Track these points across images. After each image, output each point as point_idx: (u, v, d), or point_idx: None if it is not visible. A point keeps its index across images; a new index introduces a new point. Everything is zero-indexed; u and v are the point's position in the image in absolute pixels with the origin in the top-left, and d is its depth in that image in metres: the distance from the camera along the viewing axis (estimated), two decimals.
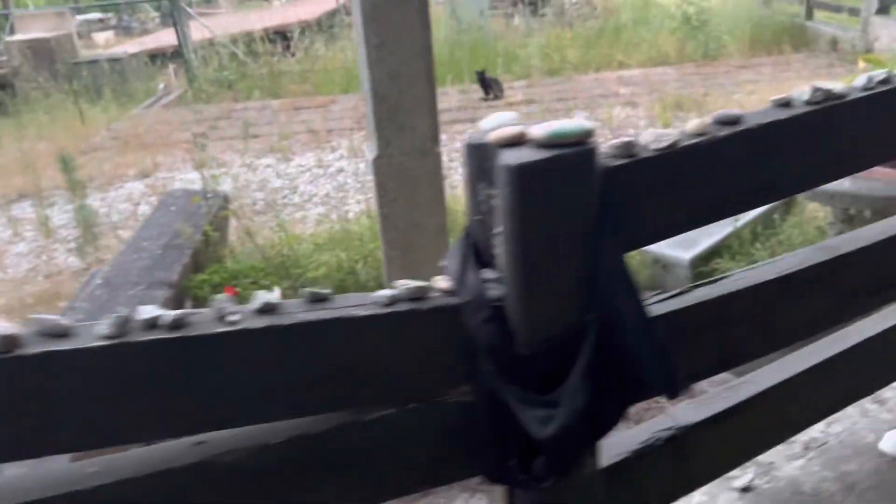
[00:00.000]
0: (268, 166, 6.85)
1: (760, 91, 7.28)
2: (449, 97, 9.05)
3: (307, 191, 6.18)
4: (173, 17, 11.95)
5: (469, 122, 7.74)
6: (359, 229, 4.57)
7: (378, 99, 2.17)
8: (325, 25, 12.48)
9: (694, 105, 7.21)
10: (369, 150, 2.47)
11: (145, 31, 19.04)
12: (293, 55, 11.83)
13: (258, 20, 13.50)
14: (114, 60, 10.14)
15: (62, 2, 16.43)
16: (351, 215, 5.34)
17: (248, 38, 11.67)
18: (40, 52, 10.49)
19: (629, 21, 11.27)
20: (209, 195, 3.64)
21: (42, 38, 10.49)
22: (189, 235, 3.06)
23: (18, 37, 10.73)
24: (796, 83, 7.23)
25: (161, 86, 10.45)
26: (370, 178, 2.34)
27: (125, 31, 20.74)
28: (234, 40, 11.68)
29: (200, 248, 3.15)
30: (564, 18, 13.10)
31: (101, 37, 19.38)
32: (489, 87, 8.52)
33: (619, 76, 8.92)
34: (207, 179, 3.88)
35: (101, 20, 19.23)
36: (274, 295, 0.82)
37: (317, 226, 5.08)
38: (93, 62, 10.15)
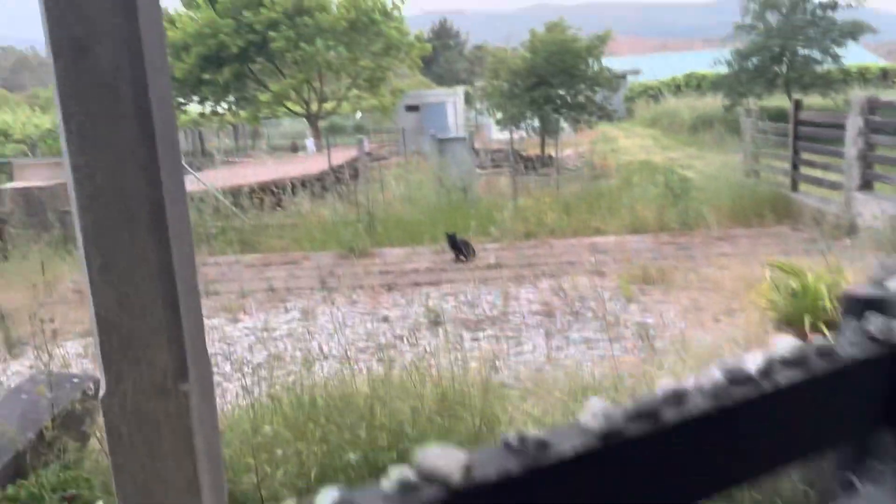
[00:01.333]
0: (212, 328, 6.57)
1: (732, 266, 7.00)
2: (421, 257, 8.94)
3: (244, 358, 5.85)
4: None
5: (433, 286, 7.54)
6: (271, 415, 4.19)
7: (105, 327, 1.72)
8: (316, 182, 12.73)
9: (662, 278, 6.93)
10: (101, 387, 1.99)
11: None
12: (282, 209, 12.00)
13: (254, 174, 13.86)
14: None
15: None
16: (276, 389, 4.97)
17: (239, 191, 11.89)
18: (33, 200, 10.71)
19: (615, 187, 11.33)
20: (75, 379, 3.32)
21: (36, 186, 10.75)
22: (11, 436, 2.72)
23: (14, 184, 11.02)
24: (771, 258, 6.98)
25: None
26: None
27: None
28: (225, 193, 11.90)
29: (29, 452, 2.78)
30: (553, 179, 13.32)
31: None
32: (460, 249, 8.39)
33: (592, 243, 8.75)
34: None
35: None
36: None
37: (231, 406, 4.71)
38: None
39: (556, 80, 16.63)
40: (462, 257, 8.37)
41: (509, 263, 8.09)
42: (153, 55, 1.89)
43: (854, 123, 8.14)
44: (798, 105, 9.75)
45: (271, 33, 21.29)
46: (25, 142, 19.40)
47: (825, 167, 9.21)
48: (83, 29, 1.78)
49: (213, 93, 23.55)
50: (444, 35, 68.22)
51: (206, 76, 21.98)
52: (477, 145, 22.67)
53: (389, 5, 24.27)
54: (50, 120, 20.57)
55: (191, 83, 22.22)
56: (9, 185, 11.14)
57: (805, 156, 9.76)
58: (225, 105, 25.19)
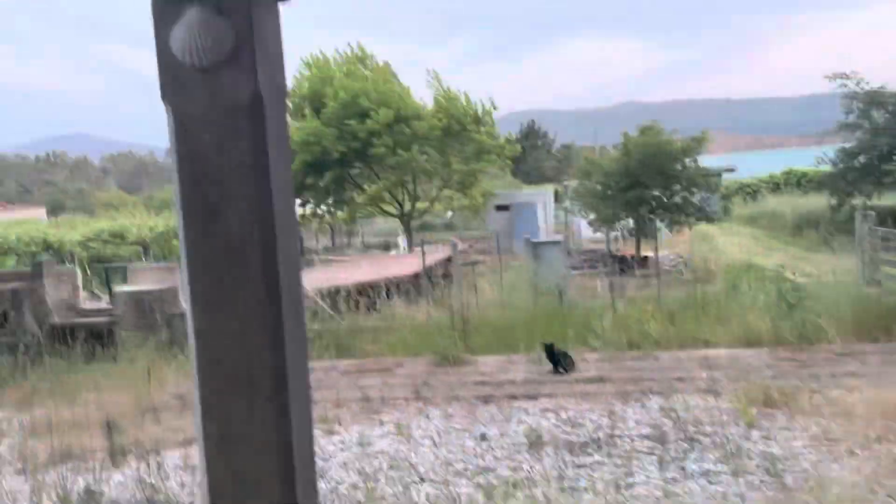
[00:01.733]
0: None
1: (864, 388, 6.38)
2: (517, 367, 8.64)
3: (335, 476, 5.67)
4: None
5: (531, 400, 7.21)
6: None
7: (216, 502, 1.59)
8: (410, 284, 12.80)
9: (785, 401, 6.37)
10: None
11: None
12: (377, 312, 12.06)
13: (351, 275, 14.11)
14: None
15: None
16: None
17: (337, 293, 12.07)
18: (143, 303, 11.20)
19: (720, 292, 10.80)
20: None
21: (146, 290, 11.26)
22: None
23: (127, 288, 11.61)
24: None
25: None
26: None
27: None
28: (323, 295, 12.11)
29: None
30: (652, 282, 12.89)
31: None
32: (558, 361, 8.06)
33: (702, 356, 8.24)
34: None
35: None
36: None
37: None
38: (185, 315, 10.65)
39: (651, 182, 16.41)
40: (561, 369, 8.04)
41: (612, 377, 7.68)
42: (283, 216, 1.83)
43: None
44: None
45: (373, 141, 22.27)
46: (140, 244, 20.68)
47: None
48: (216, 192, 1.75)
49: (314, 196, 24.63)
50: (532, 135, 69.70)
51: (309, 181, 23.08)
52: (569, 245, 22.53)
53: (481, 111, 25.05)
54: (163, 223, 21.92)
55: (294, 187, 23.35)
56: (123, 288, 11.72)
57: None
58: (324, 207, 26.24)
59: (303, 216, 26.76)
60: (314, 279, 13.70)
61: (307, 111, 23.02)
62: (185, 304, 1.69)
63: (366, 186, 25.88)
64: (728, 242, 22.48)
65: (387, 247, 31.72)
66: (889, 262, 10.04)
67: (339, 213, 27.15)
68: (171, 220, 23.67)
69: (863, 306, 8.85)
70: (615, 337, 9.03)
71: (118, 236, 20.51)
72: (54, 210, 46.15)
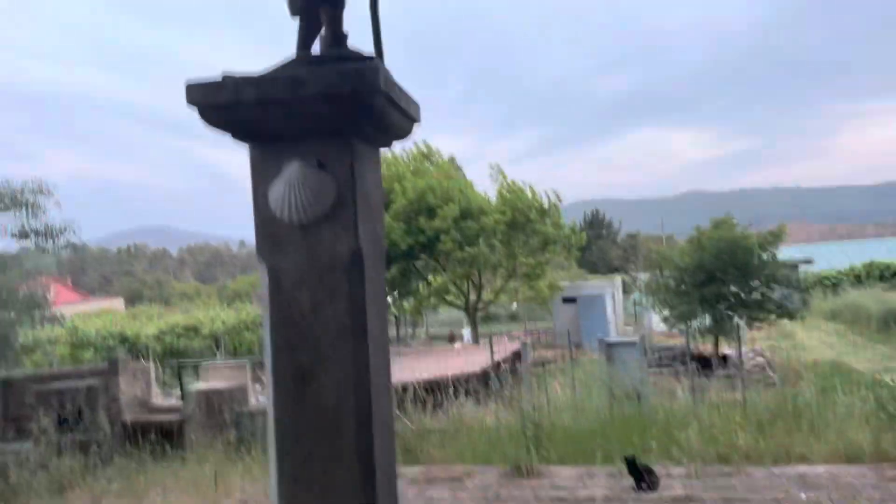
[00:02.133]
0: None
1: None
2: (595, 482, 8.11)
3: None
4: None
5: None
6: None
7: None
8: (477, 381, 12.48)
9: None
10: None
11: None
12: (443, 412, 11.72)
13: (416, 369, 13.88)
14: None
15: None
16: None
17: (404, 391, 11.82)
18: (212, 402, 11.22)
19: (811, 398, 10.05)
20: None
21: (216, 388, 11.30)
22: None
23: (198, 386, 11.68)
24: None
25: None
26: None
27: None
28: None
29: None
30: (735, 384, 12.18)
31: None
32: (641, 476, 7.52)
33: (800, 474, 7.56)
34: None
35: None
36: None
37: None
38: (253, 414, 10.61)
39: (727, 277, 15.85)
40: (644, 486, 7.49)
41: (701, 497, 7.09)
42: (378, 377, 1.67)
43: None
44: None
45: (441, 236, 22.52)
46: (213, 336, 21.09)
47: None
48: (309, 356, 1.63)
49: None
50: (596, 224, 69.44)
51: None
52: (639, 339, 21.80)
53: (546, 203, 25.10)
54: (234, 316, 22.36)
55: None
56: (194, 385, 11.81)
57: None
58: (390, 299, 26.39)
59: None
60: None
61: None
62: (271, 484, 1.53)
63: (431, 278, 25.99)
64: (810, 339, 21.34)
65: (451, 339, 31.48)
66: None
67: (405, 305, 27.23)
68: (242, 312, 24.14)
69: None
70: (701, 449, 8.42)
71: (192, 330, 21.00)
72: (132, 300, 48.03)
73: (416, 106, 2.31)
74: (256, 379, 14.49)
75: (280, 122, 2.00)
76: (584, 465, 8.70)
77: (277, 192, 1.95)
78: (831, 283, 32.66)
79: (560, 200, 25.16)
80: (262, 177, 2.05)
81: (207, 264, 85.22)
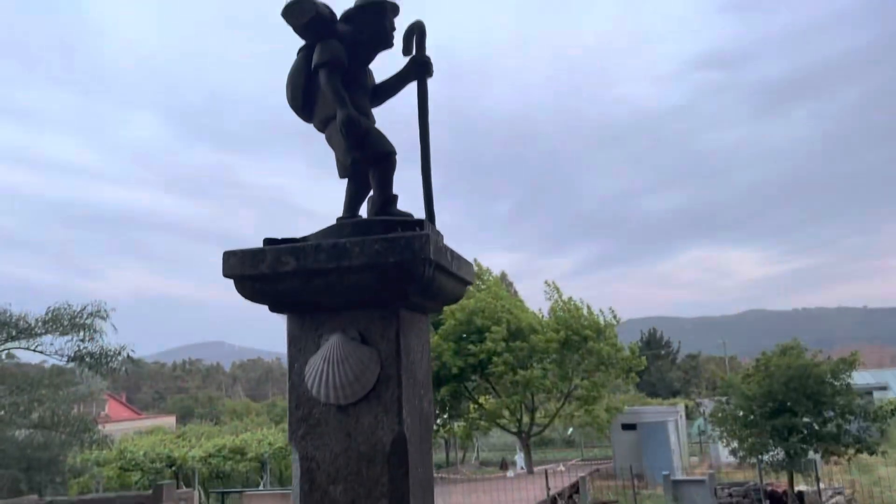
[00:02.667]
0: None
1: None
2: None
3: None
4: None
5: None
6: None
7: None
8: None
9: None
10: None
11: None
12: None
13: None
14: None
15: None
16: None
17: None
18: None
19: None
20: None
21: None
22: None
23: None
24: None
25: None
26: None
27: None
28: None
29: None
30: None
31: None
32: None
33: None
34: None
35: None
36: None
37: None
38: None
39: (798, 407, 14.84)
40: None
41: None
42: None
43: None
44: None
45: (492, 358, 22.04)
46: (259, 459, 20.66)
47: None
48: None
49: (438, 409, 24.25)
50: (654, 343, 67.53)
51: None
52: (708, 469, 20.37)
53: (603, 322, 24.45)
54: (282, 437, 21.95)
55: None
56: None
57: None
58: (439, 421, 25.64)
59: None
60: None
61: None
62: None
63: (483, 400, 25.24)
64: (892, 473, 19.64)
65: (503, 466, 30.08)
66: None
67: (456, 429, 26.35)
68: None
69: None
70: None
71: (238, 452, 20.61)
72: (184, 417, 48.07)
73: (469, 266, 2.17)
74: None
75: (321, 293, 1.84)
76: None
77: (314, 368, 1.77)
78: None
79: (616, 320, 24.54)
80: (299, 350, 1.87)
81: (259, 381, 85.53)
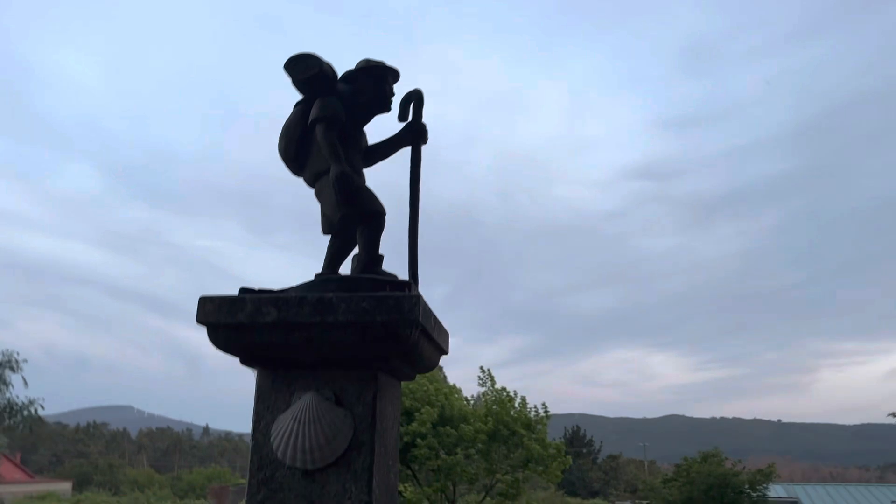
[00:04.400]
0: None
1: None
2: None
3: None
4: None
5: None
6: None
7: None
8: None
9: None
10: None
11: None
12: None
13: None
14: None
15: None
16: None
17: None
18: None
19: None
20: None
21: None
22: None
23: None
24: None
25: None
26: None
27: None
28: None
29: None
30: None
31: None
32: None
33: None
34: None
35: None
36: None
37: None
38: None
39: None
40: None
41: None
42: None
43: None
44: None
45: (417, 441, 21.46)
46: None
47: None
48: None
49: None
50: (577, 442, 67.34)
51: None
52: None
53: (534, 416, 24.20)
54: None
55: None
56: None
57: None
58: None
59: None
60: None
61: None
62: None
63: (402, 488, 24.37)
64: None
65: None
66: None
67: None
68: None
69: None
70: None
71: None
72: (81, 484, 44.78)
73: (446, 335, 2.11)
74: None
75: (300, 348, 1.75)
76: None
77: (283, 427, 1.66)
78: None
79: (547, 416, 24.46)
80: (266, 408, 1.76)
81: (166, 451, 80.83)
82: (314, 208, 2.34)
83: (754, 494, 15.49)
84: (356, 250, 2.25)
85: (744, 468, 16.65)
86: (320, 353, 1.74)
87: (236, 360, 1.84)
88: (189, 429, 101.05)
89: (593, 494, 57.06)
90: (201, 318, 1.75)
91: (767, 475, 15.82)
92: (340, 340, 1.71)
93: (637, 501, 17.77)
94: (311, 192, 2.38)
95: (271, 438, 1.70)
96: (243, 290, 1.85)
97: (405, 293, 1.75)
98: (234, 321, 1.72)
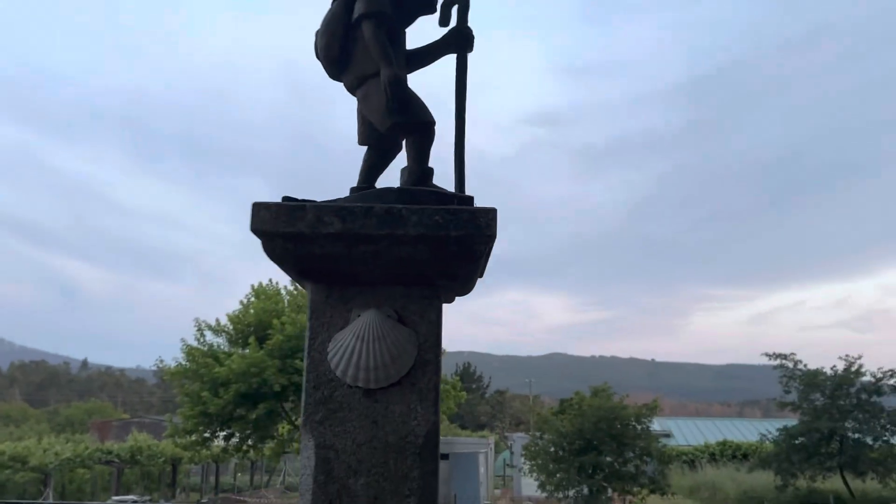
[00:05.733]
0: None
1: None
2: None
3: None
4: None
5: None
6: None
7: None
8: None
9: None
10: None
11: None
12: None
13: None
14: None
15: None
16: None
17: None
18: None
19: None
20: None
21: None
22: None
23: None
24: None
25: None
26: None
27: None
28: None
29: None
30: None
31: None
32: None
33: None
34: None
35: (135, 503, 18.90)
36: None
37: None
38: None
39: (605, 447, 15.92)
40: None
41: None
42: None
43: None
44: None
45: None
46: (42, 471, 18.38)
47: None
48: None
49: (241, 428, 23.04)
50: (467, 378, 69.57)
51: (240, 412, 21.72)
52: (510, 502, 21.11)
53: None
54: (71, 448, 19.77)
55: (222, 419, 21.91)
56: None
57: None
58: (250, 441, 24.46)
59: (224, 450, 24.91)
60: None
61: (252, 340, 22.35)
62: None
63: (298, 422, 24.47)
64: None
65: None
66: None
67: (266, 449, 25.23)
68: (79, 445, 21.40)
69: None
70: None
71: (18, 460, 18.17)
72: None
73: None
74: None
75: (364, 263, 1.61)
76: None
77: (343, 344, 1.54)
78: (688, 460, 33.74)
79: (444, 352, 25.05)
80: (322, 325, 1.62)
81: (40, 385, 76.92)
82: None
83: (639, 427, 16.58)
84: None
85: (632, 403, 17.73)
86: (384, 269, 1.62)
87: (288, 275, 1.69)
88: (66, 362, 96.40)
89: (481, 427, 59.52)
90: (256, 226, 1.57)
91: (652, 409, 16.96)
92: (409, 256, 1.59)
93: (532, 433, 18.60)
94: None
95: (329, 356, 1.59)
96: (286, 199, 1.69)
97: (480, 207, 1.65)
98: (293, 230, 1.56)
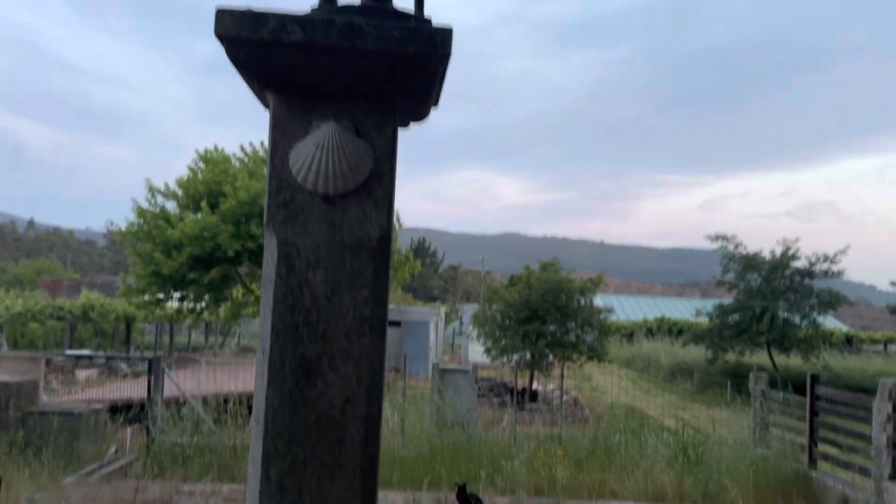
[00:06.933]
0: None
1: None
2: None
3: None
4: (150, 368, 11.36)
5: None
6: None
7: None
8: None
9: None
10: None
11: (134, 374, 18.79)
12: None
13: (238, 383, 13.08)
14: (66, 415, 9.38)
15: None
16: None
17: (219, 403, 11.06)
18: None
19: (622, 440, 10.76)
20: None
21: (2, 381, 9.86)
22: None
23: None
24: None
25: (112, 449, 9.52)
26: None
27: (110, 371, 20.52)
28: (206, 403, 11.06)
29: None
30: (545, 416, 12.83)
31: (83, 374, 19.05)
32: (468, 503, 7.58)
33: None
34: None
35: (90, 357, 19.11)
36: None
37: None
38: (44, 414, 9.37)
39: (549, 317, 16.71)
40: None
41: None
42: (383, 382, 1.43)
43: (882, 408, 7.93)
44: (816, 379, 9.64)
45: None
46: None
47: (848, 449, 8.87)
48: (317, 349, 1.37)
49: (195, 291, 23.25)
50: (421, 253, 70.75)
51: (193, 276, 21.82)
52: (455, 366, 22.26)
53: None
54: (21, 303, 19.79)
55: (175, 281, 22.02)
56: None
57: (823, 433, 9.46)
58: (203, 303, 24.78)
59: (178, 311, 25.25)
60: (200, 384, 12.60)
61: (203, 205, 22.12)
62: (250, 490, 1.25)
63: (254, 287, 24.81)
64: (606, 382, 23.07)
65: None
66: (779, 423, 10.45)
67: (221, 312, 25.70)
68: (30, 300, 21.43)
69: (760, 468, 9.02)
70: (524, 480, 8.69)
71: None
72: None
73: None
74: (69, 369, 12.84)
75: (323, 74, 1.65)
76: (411, 491, 8.65)
77: (304, 153, 1.61)
78: (627, 333, 35.64)
79: (399, 225, 25.25)
80: (284, 135, 1.68)
81: None
82: None
83: (583, 300, 17.38)
84: None
85: (577, 277, 18.46)
86: (343, 82, 1.67)
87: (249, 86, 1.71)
88: (12, 221, 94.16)
89: (433, 299, 61.28)
90: (220, 31, 1.59)
91: (596, 283, 17.72)
92: (367, 69, 1.63)
93: (482, 304, 19.30)
94: None
95: (290, 163, 1.67)
96: (266, 10, 1.67)
97: (434, 27, 1.68)
98: (256, 37, 1.57)
